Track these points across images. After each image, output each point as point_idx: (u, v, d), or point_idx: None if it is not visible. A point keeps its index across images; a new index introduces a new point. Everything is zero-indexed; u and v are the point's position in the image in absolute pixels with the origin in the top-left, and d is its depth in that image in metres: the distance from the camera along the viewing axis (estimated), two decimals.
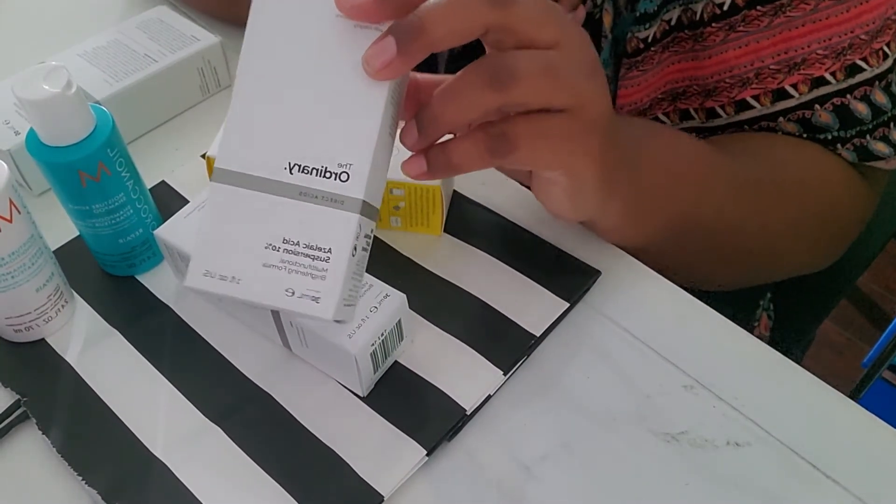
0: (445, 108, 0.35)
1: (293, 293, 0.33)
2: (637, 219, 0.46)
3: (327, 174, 0.33)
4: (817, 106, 0.52)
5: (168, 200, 0.53)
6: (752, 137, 0.54)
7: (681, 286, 0.48)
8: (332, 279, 0.33)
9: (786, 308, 0.77)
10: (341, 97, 0.33)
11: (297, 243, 0.33)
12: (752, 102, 0.53)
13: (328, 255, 0.33)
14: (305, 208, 0.33)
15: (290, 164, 0.34)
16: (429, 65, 0.65)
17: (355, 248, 0.34)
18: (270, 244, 0.33)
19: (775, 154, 0.53)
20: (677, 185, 0.47)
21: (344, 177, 0.33)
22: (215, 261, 0.34)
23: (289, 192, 0.33)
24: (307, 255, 0.33)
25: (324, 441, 0.41)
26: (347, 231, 0.33)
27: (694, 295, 0.47)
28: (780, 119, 0.53)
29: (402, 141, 0.36)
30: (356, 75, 0.33)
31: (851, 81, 0.51)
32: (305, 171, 0.33)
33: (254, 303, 0.34)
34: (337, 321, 0.34)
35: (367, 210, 0.34)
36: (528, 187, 0.44)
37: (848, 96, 0.51)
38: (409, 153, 0.37)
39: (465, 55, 0.62)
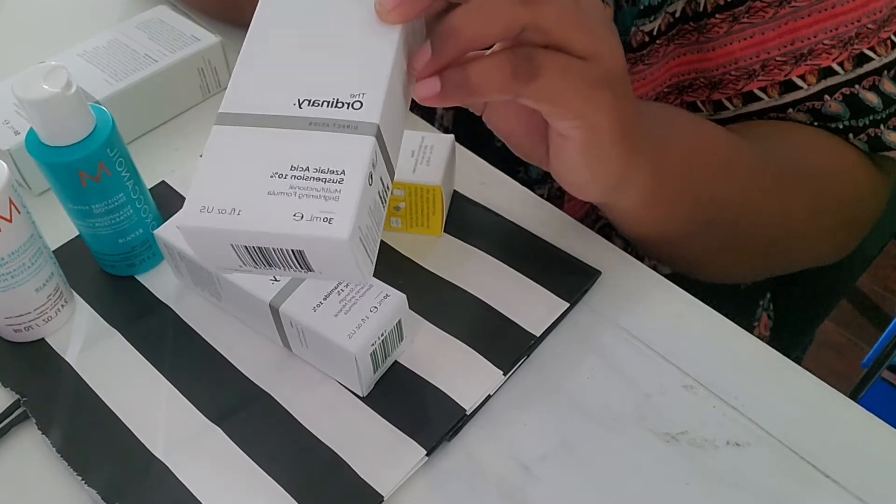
0: (469, 19, 0.33)
1: (302, 217, 0.30)
2: (659, 201, 0.44)
3: (339, 104, 0.31)
4: (827, 96, 0.51)
5: (168, 200, 0.53)
6: (767, 124, 0.54)
7: (684, 285, 0.48)
8: (346, 199, 0.30)
9: (786, 308, 0.77)
10: (352, 44, 0.33)
11: (307, 168, 0.30)
12: (760, 94, 0.53)
13: (341, 176, 0.30)
14: (315, 136, 0.31)
15: (298, 100, 0.32)
16: None
17: (371, 178, 0.31)
18: (277, 173, 0.30)
19: (792, 140, 0.53)
20: (700, 168, 0.46)
21: (357, 105, 0.31)
22: (214, 196, 0.30)
23: (297, 125, 0.31)
24: (318, 179, 0.30)
25: (324, 441, 0.41)
26: (362, 152, 0.30)
27: (694, 295, 0.47)
28: (790, 110, 0.53)
29: (413, 64, 0.34)
30: (368, 23, 0.33)
31: (860, 71, 0.50)
32: (315, 105, 0.32)
33: (258, 235, 0.30)
34: (360, 277, 0.31)
35: (381, 142, 0.32)
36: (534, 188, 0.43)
37: (857, 86, 0.51)
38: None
39: None
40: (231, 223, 0.30)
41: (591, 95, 0.36)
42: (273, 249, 0.31)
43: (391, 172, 0.34)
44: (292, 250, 0.31)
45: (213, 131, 0.32)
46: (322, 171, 0.30)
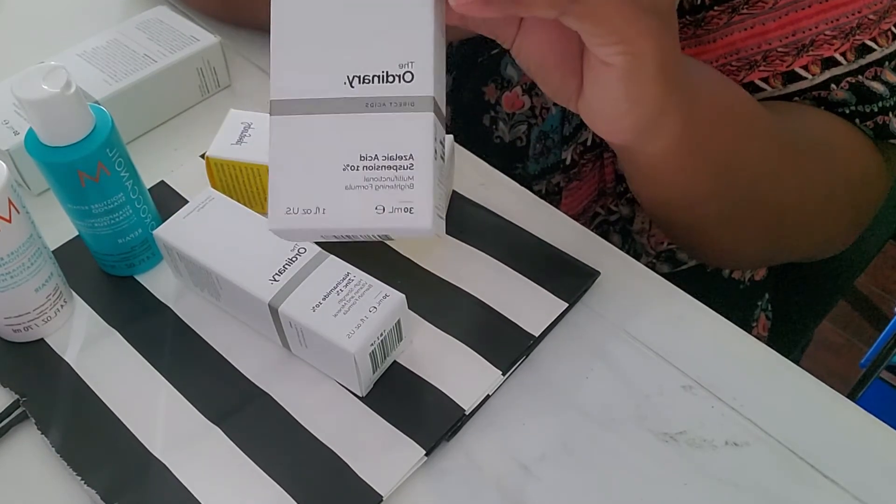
0: None
1: (384, 209, 0.31)
2: (687, 148, 0.43)
3: (390, 78, 0.31)
4: (833, 86, 0.52)
5: (167, 200, 0.53)
6: (779, 103, 0.53)
7: (682, 285, 0.48)
8: (420, 186, 0.31)
9: (784, 308, 0.77)
10: (385, 7, 0.32)
11: (376, 157, 0.31)
12: (762, 85, 0.53)
13: (411, 161, 0.31)
14: (376, 119, 0.31)
15: (348, 77, 0.32)
16: None
17: (435, 151, 0.32)
18: (348, 165, 0.31)
19: (804, 117, 0.52)
20: (726, 121, 0.46)
21: (408, 77, 0.31)
22: (294, 195, 0.32)
23: (355, 107, 0.31)
24: (389, 167, 0.31)
25: (323, 441, 0.41)
26: (425, 132, 0.31)
27: (692, 295, 0.47)
28: (795, 99, 0.53)
29: None
30: None
31: (862, 62, 0.50)
32: (366, 81, 0.31)
33: (346, 231, 0.32)
34: (437, 234, 0.32)
35: (438, 110, 0.32)
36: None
37: (860, 76, 0.51)
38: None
39: (463, 52, 0.62)
40: (319, 222, 0.31)
41: (639, 19, 0.35)
42: (360, 236, 0.33)
43: (444, 121, 0.34)
44: (378, 235, 0.33)
45: (273, 123, 0.32)
46: (391, 159, 0.31)
